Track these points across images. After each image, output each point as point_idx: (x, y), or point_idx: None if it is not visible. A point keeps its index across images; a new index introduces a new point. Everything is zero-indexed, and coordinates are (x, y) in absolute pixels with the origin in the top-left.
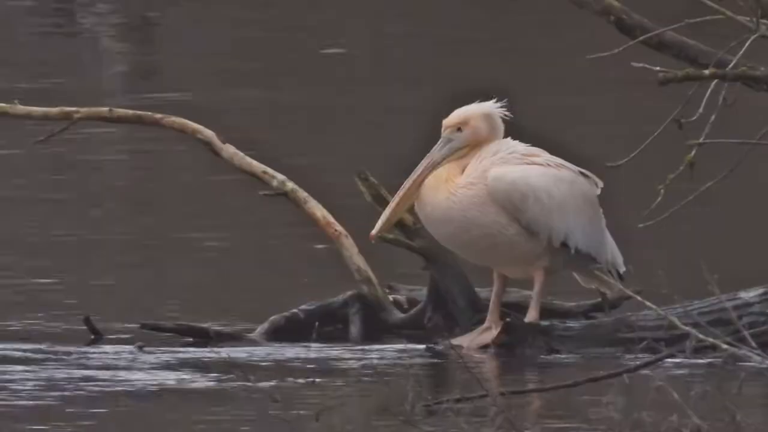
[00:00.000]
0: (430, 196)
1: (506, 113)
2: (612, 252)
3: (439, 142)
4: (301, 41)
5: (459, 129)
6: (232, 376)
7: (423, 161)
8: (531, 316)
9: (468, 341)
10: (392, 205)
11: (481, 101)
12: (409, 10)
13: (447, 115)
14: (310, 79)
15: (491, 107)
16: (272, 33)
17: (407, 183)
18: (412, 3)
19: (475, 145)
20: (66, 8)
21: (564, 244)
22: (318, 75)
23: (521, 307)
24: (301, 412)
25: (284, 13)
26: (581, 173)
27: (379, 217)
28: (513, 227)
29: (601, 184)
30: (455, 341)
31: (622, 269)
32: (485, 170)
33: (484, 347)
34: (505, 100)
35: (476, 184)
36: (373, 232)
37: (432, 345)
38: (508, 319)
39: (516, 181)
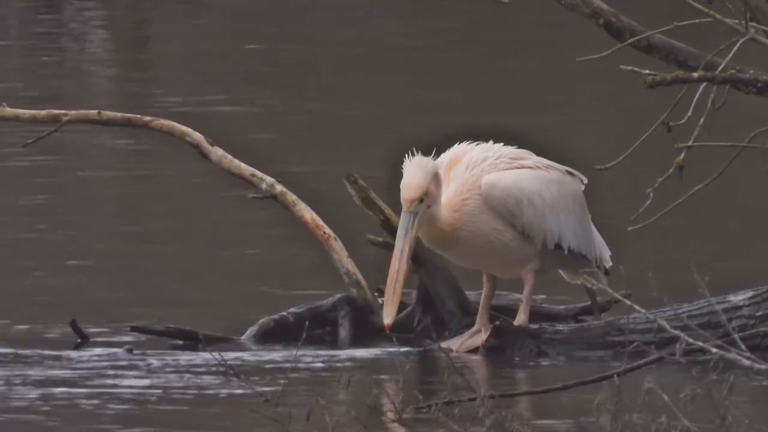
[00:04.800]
0: (440, 240)
1: (438, 164)
2: (600, 248)
3: (408, 219)
4: (292, 46)
5: (421, 200)
6: (222, 377)
7: (402, 240)
8: (520, 319)
9: (458, 344)
10: (398, 291)
11: (414, 158)
12: (397, 12)
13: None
14: (298, 83)
15: (433, 166)
16: (261, 39)
17: (399, 265)
18: (400, 5)
19: (433, 202)
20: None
21: (558, 246)
22: (307, 79)
23: (510, 311)
24: (292, 412)
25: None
26: (568, 172)
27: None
28: (509, 232)
29: (585, 180)
30: (445, 344)
31: (609, 264)
32: (476, 179)
33: (474, 350)
34: (434, 151)
35: (470, 197)
36: (388, 321)
37: (422, 348)
38: (497, 323)
39: (510, 187)
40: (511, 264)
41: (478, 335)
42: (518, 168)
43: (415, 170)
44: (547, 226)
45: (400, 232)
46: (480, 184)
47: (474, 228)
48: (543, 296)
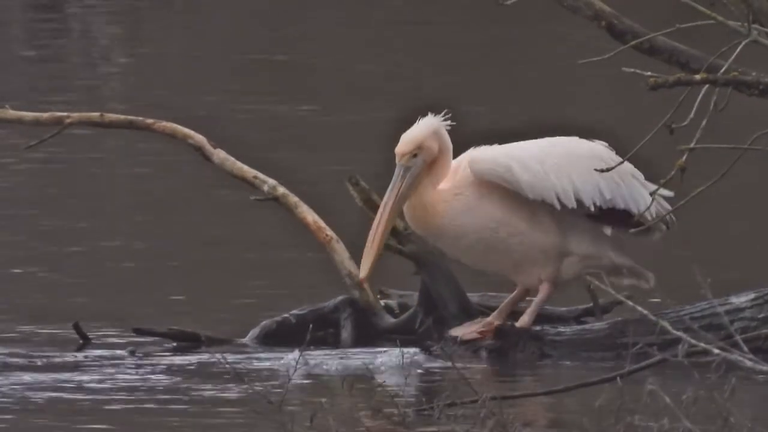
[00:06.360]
0: (420, 219)
1: (449, 123)
2: (657, 203)
3: (397, 172)
4: (297, 50)
5: (415, 155)
6: (224, 380)
7: (388, 194)
8: (523, 320)
9: (466, 331)
10: (375, 244)
11: (422, 118)
12: (399, 17)
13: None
14: (300, 84)
15: (437, 123)
16: (264, 42)
17: (381, 218)
18: (403, 9)
19: (431, 163)
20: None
21: (581, 204)
22: (309, 80)
23: (512, 313)
24: (295, 415)
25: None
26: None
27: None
28: (505, 229)
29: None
30: (453, 331)
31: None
32: (467, 176)
33: (478, 339)
34: (444, 111)
35: (463, 193)
36: (363, 275)
37: (426, 347)
38: (498, 323)
39: (495, 156)
40: (518, 266)
41: (489, 327)
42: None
43: (414, 126)
44: (555, 185)
45: (389, 187)
46: (470, 179)
47: (461, 223)
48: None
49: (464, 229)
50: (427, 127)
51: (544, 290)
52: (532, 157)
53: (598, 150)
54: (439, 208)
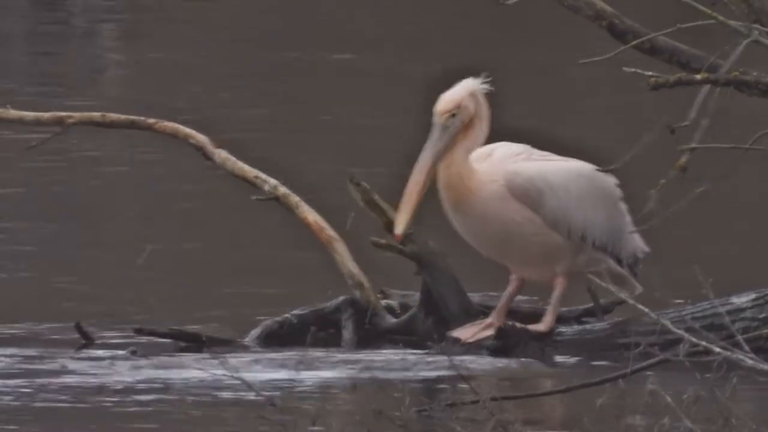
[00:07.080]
0: (454, 187)
1: (488, 87)
2: (635, 247)
3: (435, 131)
4: (296, 45)
5: (453, 115)
6: (225, 380)
7: (425, 152)
8: (547, 321)
9: (468, 334)
10: (411, 200)
11: (462, 79)
12: (399, 18)
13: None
14: (302, 85)
15: (475, 85)
16: (265, 35)
17: (418, 177)
18: (404, 9)
19: (467, 125)
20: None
21: (582, 239)
22: (311, 81)
23: (513, 313)
24: (297, 416)
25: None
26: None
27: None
28: (529, 226)
29: (616, 180)
30: (455, 333)
31: (642, 254)
32: (506, 168)
33: (483, 341)
34: (484, 74)
35: (497, 181)
36: (399, 231)
37: (430, 351)
38: (498, 323)
39: (533, 177)
40: (533, 260)
41: (490, 329)
42: (548, 161)
43: (455, 86)
44: (572, 218)
45: (426, 145)
46: (508, 170)
47: (488, 210)
48: (544, 299)
49: (492, 214)
50: (466, 88)
51: (560, 285)
52: (560, 187)
53: (613, 189)
54: (473, 185)
